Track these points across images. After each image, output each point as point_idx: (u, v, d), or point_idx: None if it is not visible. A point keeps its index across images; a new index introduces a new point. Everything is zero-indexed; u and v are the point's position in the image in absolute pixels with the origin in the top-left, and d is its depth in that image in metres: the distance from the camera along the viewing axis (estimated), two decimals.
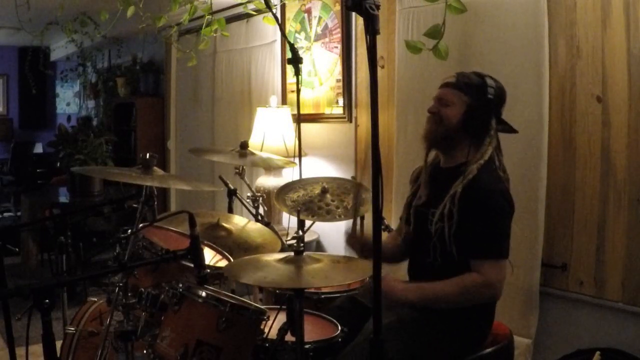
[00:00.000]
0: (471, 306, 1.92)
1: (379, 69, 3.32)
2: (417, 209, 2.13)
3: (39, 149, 8.58)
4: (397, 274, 2.51)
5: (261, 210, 2.78)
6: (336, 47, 3.71)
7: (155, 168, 2.20)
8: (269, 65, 4.24)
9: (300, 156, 2.92)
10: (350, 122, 3.66)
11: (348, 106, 3.66)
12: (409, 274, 2.20)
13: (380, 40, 2.26)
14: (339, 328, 2.01)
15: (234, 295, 2.10)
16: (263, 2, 3.17)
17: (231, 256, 2.33)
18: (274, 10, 3.39)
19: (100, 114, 7.23)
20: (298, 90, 2.69)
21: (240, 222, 2.69)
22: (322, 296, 2.35)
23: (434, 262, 1.98)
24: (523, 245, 2.56)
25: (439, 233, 1.96)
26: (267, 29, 4.21)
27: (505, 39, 2.67)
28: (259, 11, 3.74)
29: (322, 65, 3.81)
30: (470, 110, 1.99)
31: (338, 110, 3.73)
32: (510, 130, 2.09)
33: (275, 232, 2.65)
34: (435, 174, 2.13)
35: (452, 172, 2.01)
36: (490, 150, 1.99)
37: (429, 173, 2.15)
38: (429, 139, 2.10)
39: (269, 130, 3.70)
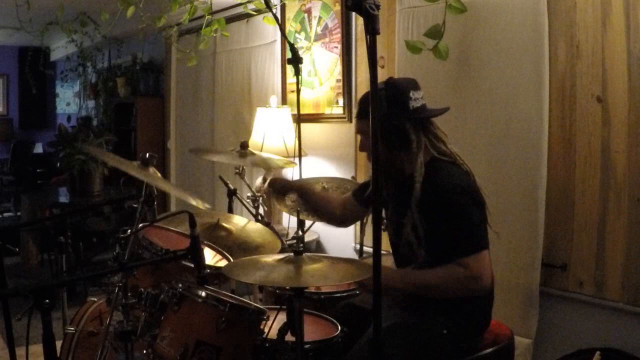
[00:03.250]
0: (469, 303, 1.92)
1: (379, 69, 3.32)
2: (391, 220, 2.10)
3: (39, 149, 8.59)
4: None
5: (261, 210, 2.78)
6: (336, 47, 3.71)
7: (152, 169, 2.20)
8: (269, 65, 4.24)
9: (300, 156, 2.92)
10: (350, 122, 3.66)
11: (348, 106, 3.66)
12: None
13: (380, 40, 2.27)
14: (339, 328, 2.01)
15: (234, 295, 2.10)
16: (263, 2, 3.17)
17: (231, 256, 2.33)
18: (274, 10, 3.39)
19: (100, 114, 7.22)
20: (298, 90, 2.68)
21: (240, 222, 2.70)
22: (322, 296, 2.35)
23: (415, 267, 1.98)
24: (523, 245, 2.56)
25: (415, 245, 1.96)
26: (267, 29, 4.21)
27: (505, 39, 2.67)
28: (259, 11, 3.74)
29: (322, 65, 3.81)
30: (380, 130, 1.98)
31: (338, 110, 3.73)
32: (439, 112, 2.01)
33: (275, 232, 2.65)
34: (399, 184, 2.08)
35: (407, 182, 1.98)
36: (420, 155, 1.94)
37: (395, 183, 2.10)
38: (380, 177, 2.08)
39: (269, 130, 3.70)
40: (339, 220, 2.42)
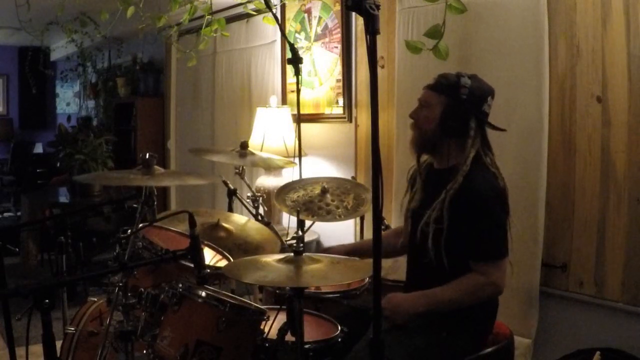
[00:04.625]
0: (473, 306, 1.92)
1: (379, 69, 3.32)
2: (414, 211, 2.13)
3: (39, 149, 8.58)
4: (397, 273, 2.52)
5: (261, 210, 2.78)
6: (336, 47, 3.71)
7: (155, 167, 2.20)
8: (269, 65, 4.23)
9: (300, 156, 2.92)
10: (350, 122, 3.66)
11: (348, 106, 3.66)
12: (407, 273, 2.20)
13: (380, 40, 2.26)
14: (339, 328, 2.01)
15: (234, 295, 2.10)
16: (263, 2, 3.17)
17: (231, 256, 2.33)
18: (274, 10, 3.39)
19: (100, 114, 7.22)
20: (298, 90, 2.68)
21: (241, 222, 2.69)
22: (322, 296, 2.35)
23: (430, 263, 1.98)
24: (523, 245, 2.56)
25: (432, 236, 1.97)
26: (267, 29, 4.21)
27: (505, 39, 2.67)
28: (259, 11, 3.73)
29: (322, 65, 3.81)
30: (446, 111, 1.99)
31: (338, 110, 3.73)
32: (497, 128, 2.07)
33: (275, 232, 2.65)
34: (430, 176, 2.14)
35: (444, 174, 2.01)
36: (472, 153, 1.97)
37: (424, 174, 2.16)
38: (414, 146, 2.11)
39: (269, 130, 3.70)
40: (402, 250, 2.33)
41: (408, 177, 2.27)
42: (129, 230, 2.13)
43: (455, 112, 1.98)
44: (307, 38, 3.89)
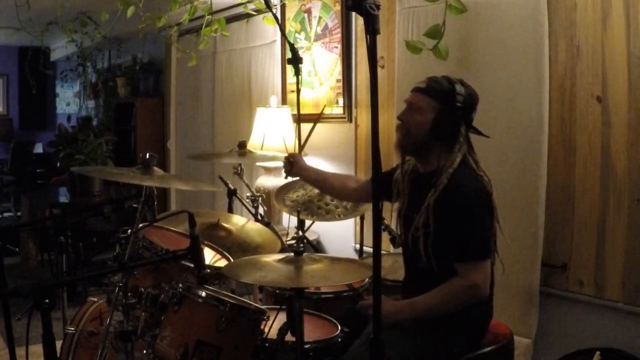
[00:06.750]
0: (465, 311, 1.92)
1: (379, 69, 3.32)
2: (404, 216, 2.12)
3: (39, 149, 8.58)
4: (397, 273, 2.52)
5: (261, 210, 2.78)
6: (336, 47, 3.71)
7: (155, 168, 2.20)
8: (269, 65, 4.24)
9: None
10: (350, 122, 3.66)
11: (348, 106, 3.66)
12: (404, 279, 2.20)
13: (380, 40, 2.26)
14: (339, 328, 2.01)
15: (234, 295, 2.10)
16: (263, 2, 3.17)
17: (231, 256, 2.34)
18: (274, 10, 3.39)
19: (100, 114, 7.22)
20: (298, 90, 2.68)
21: (240, 222, 2.70)
22: (322, 296, 2.35)
23: (423, 267, 1.98)
24: (523, 245, 2.56)
25: (422, 240, 1.97)
26: (267, 29, 4.21)
27: (505, 39, 2.67)
28: (259, 11, 3.74)
29: (322, 65, 3.81)
30: (439, 117, 1.98)
31: (338, 110, 3.73)
32: (481, 134, 2.08)
33: (275, 232, 2.65)
34: (415, 180, 2.13)
35: (429, 178, 2.01)
36: (459, 157, 1.97)
37: (411, 178, 2.15)
38: (401, 148, 2.09)
39: (269, 130, 3.70)
40: (356, 198, 2.39)
41: (393, 184, 2.26)
42: (129, 230, 2.13)
43: (448, 118, 1.97)
44: (307, 38, 3.89)
